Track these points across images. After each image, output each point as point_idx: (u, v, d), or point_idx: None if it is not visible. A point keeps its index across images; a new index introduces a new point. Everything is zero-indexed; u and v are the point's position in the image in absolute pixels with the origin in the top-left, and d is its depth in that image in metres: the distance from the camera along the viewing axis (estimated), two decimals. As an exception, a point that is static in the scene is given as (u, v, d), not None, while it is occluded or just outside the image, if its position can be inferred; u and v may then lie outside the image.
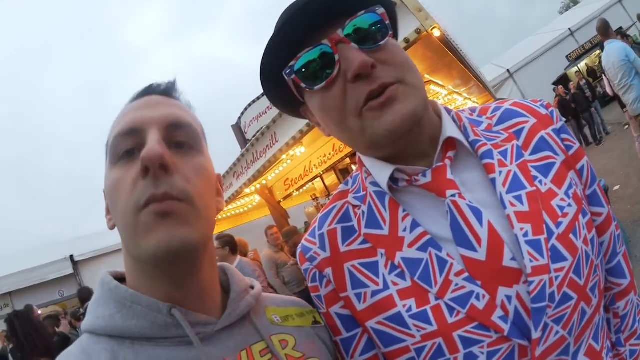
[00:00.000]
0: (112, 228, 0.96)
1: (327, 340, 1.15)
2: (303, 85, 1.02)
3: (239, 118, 10.96)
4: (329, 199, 1.31)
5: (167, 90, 1.02)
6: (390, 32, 0.99)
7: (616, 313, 1.17)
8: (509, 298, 0.92)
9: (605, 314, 1.16)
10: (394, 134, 0.96)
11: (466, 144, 1.06)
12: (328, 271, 1.11)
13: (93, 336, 0.88)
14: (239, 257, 7.14)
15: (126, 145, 0.89)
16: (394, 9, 1.10)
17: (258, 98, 10.19)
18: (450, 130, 1.05)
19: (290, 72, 1.02)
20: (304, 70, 1.00)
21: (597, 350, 1.01)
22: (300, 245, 1.21)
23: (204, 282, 0.97)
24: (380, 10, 0.98)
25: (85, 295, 8.38)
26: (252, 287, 1.12)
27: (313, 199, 11.63)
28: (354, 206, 1.14)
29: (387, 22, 0.99)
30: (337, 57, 0.96)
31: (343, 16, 0.97)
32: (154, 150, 0.84)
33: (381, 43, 0.96)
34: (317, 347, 1.09)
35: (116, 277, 0.98)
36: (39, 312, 9.51)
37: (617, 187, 8.68)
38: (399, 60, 0.98)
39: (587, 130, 15.74)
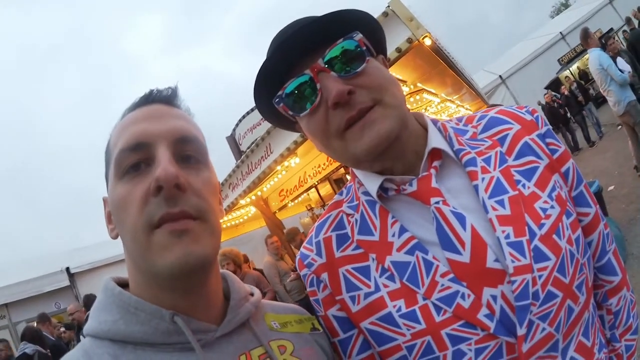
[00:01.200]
0: (115, 237, 0.96)
1: (325, 346, 1.18)
2: (290, 112, 1.08)
3: (234, 129, 10.96)
4: (324, 210, 1.35)
5: (169, 98, 1.03)
6: (368, 58, 1.03)
7: (609, 309, 1.20)
8: (494, 298, 0.96)
9: (599, 311, 1.20)
10: (373, 152, 1.02)
11: (451, 153, 1.11)
12: (324, 276, 1.17)
13: (95, 340, 0.90)
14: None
15: (132, 160, 0.90)
16: (377, 27, 1.14)
17: (252, 109, 10.18)
18: (435, 141, 1.10)
19: (279, 101, 1.08)
20: (290, 99, 1.06)
21: (588, 347, 1.04)
22: (299, 252, 1.27)
23: (210, 291, 1.00)
24: (358, 36, 1.03)
25: (91, 302, 8.40)
26: (252, 294, 1.14)
27: (308, 210, 11.65)
28: (348, 214, 1.20)
29: (364, 48, 1.03)
30: (318, 86, 1.01)
31: (326, 44, 1.01)
32: (169, 171, 0.86)
33: (358, 70, 1.01)
34: (315, 353, 1.11)
35: (119, 283, 0.99)
36: (35, 323, 9.55)
37: (612, 187, 8.76)
38: (377, 83, 1.03)
39: (580, 134, 15.73)
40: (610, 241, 1.20)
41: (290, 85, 1.04)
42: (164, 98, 1.02)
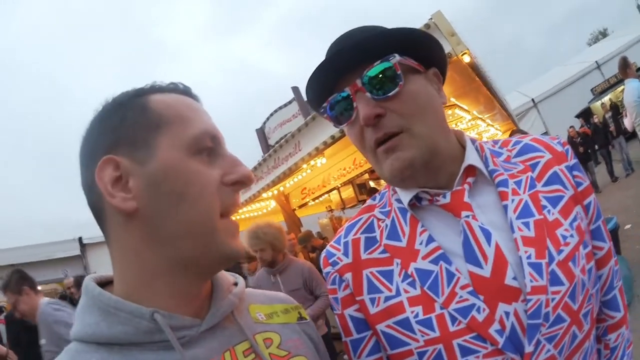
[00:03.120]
0: (128, 210, 0.87)
1: (313, 335, 1.19)
2: (332, 122, 1.19)
3: (264, 123, 10.99)
4: (343, 212, 1.41)
5: (201, 104, 1.07)
6: (400, 83, 1.06)
7: (607, 344, 1.24)
8: (507, 314, 0.99)
9: (597, 344, 1.23)
10: (395, 177, 1.09)
11: (485, 172, 1.15)
12: (348, 276, 1.19)
13: (82, 344, 0.88)
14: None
15: (208, 144, 0.94)
16: (426, 41, 1.16)
17: (285, 105, 10.24)
18: (472, 159, 1.15)
19: (324, 112, 1.18)
20: (332, 111, 1.16)
21: None
22: (325, 250, 1.30)
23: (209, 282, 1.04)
24: (394, 59, 1.06)
25: (81, 283, 7.96)
26: (236, 284, 1.12)
27: (328, 211, 11.63)
28: (379, 219, 1.24)
29: (399, 72, 1.06)
30: (355, 104, 1.09)
31: (366, 62, 1.08)
32: (252, 175, 0.98)
33: (389, 94, 1.06)
34: (303, 344, 1.11)
35: (100, 282, 0.97)
36: (39, 287, 9.56)
37: (628, 226, 8.60)
38: (408, 110, 1.06)
39: (603, 167, 15.18)
40: (618, 278, 1.23)
41: (333, 100, 1.12)
42: (199, 100, 1.05)
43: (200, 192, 0.89)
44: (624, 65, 7.45)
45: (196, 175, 0.89)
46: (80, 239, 15.01)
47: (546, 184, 1.13)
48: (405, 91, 1.07)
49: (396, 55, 1.07)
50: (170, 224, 0.88)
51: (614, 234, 6.33)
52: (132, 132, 0.90)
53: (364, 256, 1.19)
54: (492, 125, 13.31)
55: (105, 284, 0.97)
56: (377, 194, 1.35)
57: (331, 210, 11.59)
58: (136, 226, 0.89)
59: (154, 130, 0.90)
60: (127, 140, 0.90)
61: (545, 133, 21.97)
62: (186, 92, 1.01)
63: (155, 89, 0.97)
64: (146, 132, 0.90)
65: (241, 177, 0.95)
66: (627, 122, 7.84)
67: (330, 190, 9.54)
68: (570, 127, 17.32)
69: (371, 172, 8.61)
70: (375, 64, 1.06)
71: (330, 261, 1.25)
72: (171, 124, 0.91)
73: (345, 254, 1.22)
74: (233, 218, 0.98)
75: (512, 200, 1.09)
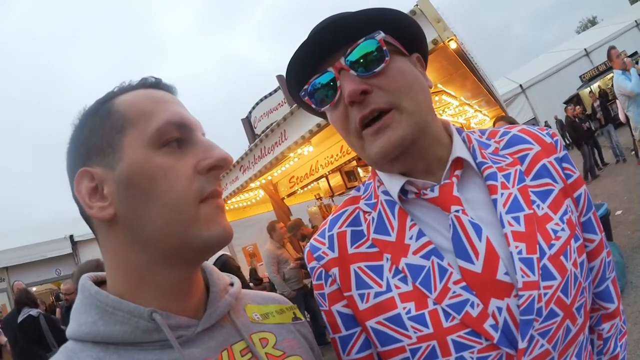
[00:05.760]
0: (106, 217, 0.89)
1: (307, 335, 1.19)
2: (313, 106, 1.14)
3: (250, 112, 10.90)
4: (332, 200, 1.37)
5: (175, 92, 1.04)
6: (387, 59, 1.04)
7: (600, 334, 1.23)
8: (499, 309, 0.98)
9: (590, 335, 1.22)
10: (385, 157, 1.05)
11: (473, 164, 1.13)
12: (334, 271, 1.16)
13: (77, 343, 0.88)
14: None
15: (176, 135, 0.92)
16: (411, 26, 1.16)
17: (270, 94, 10.15)
18: (459, 150, 1.12)
19: (304, 94, 1.13)
20: (313, 93, 1.11)
21: None
22: (309, 244, 1.26)
23: (199, 278, 1.02)
24: (379, 36, 1.04)
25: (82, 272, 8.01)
26: (232, 284, 1.13)
27: (317, 199, 11.63)
28: (365, 212, 1.20)
29: (385, 48, 1.04)
30: (338, 83, 1.05)
31: (350, 42, 1.05)
32: (229, 156, 0.94)
33: (376, 70, 1.03)
34: (298, 344, 1.11)
35: (96, 281, 0.97)
36: (34, 289, 9.52)
37: (619, 212, 8.62)
38: (395, 86, 1.04)
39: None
40: (610, 269, 1.23)
41: (315, 82, 1.09)
42: (172, 90, 1.03)
43: (169, 187, 0.88)
44: (609, 57, 7.69)
45: (162, 171, 0.88)
46: (71, 237, 14.90)
47: (535, 178, 1.11)
48: (392, 68, 1.05)
49: (381, 32, 1.05)
50: (146, 223, 0.88)
51: (605, 220, 6.34)
52: (101, 139, 0.91)
53: (350, 250, 1.16)
54: (480, 111, 13.32)
55: (101, 282, 0.98)
56: (361, 185, 1.31)
57: (320, 198, 11.59)
58: (118, 231, 0.90)
59: (119, 133, 0.91)
60: (97, 149, 0.91)
61: (534, 119, 22.16)
62: (155, 85, 1.00)
63: (123, 90, 0.98)
64: (112, 136, 0.91)
65: (216, 162, 0.93)
66: (620, 114, 7.94)
67: (319, 178, 9.53)
68: (567, 107, 17.20)
69: (359, 159, 8.56)
70: (360, 41, 1.03)
71: (315, 256, 1.21)
72: (134, 122, 0.91)
73: (331, 248, 1.19)
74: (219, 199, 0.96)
75: (502, 195, 1.07)
